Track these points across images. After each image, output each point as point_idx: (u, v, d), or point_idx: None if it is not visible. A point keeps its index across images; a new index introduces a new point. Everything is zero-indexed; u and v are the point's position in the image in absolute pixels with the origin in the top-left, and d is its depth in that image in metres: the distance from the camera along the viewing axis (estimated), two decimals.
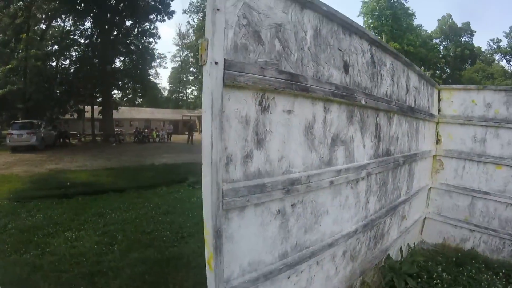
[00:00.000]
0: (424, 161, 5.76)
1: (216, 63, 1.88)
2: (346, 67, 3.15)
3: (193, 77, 68.77)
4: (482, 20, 75.06)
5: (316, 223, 2.91)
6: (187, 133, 32.94)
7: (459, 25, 46.27)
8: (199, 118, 46.27)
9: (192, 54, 63.60)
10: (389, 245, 4.70)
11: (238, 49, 2.06)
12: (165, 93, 72.00)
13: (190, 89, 72.08)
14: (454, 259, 5.39)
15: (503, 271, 5.09)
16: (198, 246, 5.52)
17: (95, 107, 32.74)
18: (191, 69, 67.99)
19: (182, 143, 30.60)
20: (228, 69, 1.95)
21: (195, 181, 10.84)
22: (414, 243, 5.82)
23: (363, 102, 3.35)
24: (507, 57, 45.54)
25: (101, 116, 32.29)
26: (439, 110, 6.14)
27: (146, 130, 34.05)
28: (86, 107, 32.81)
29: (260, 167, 2.29)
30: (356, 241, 3.69)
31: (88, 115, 32.73)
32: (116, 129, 33.04)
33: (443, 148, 6.12)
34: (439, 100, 6.15)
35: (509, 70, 44.05)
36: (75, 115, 32.09)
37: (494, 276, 4.94)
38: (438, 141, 6.17)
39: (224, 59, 1.93)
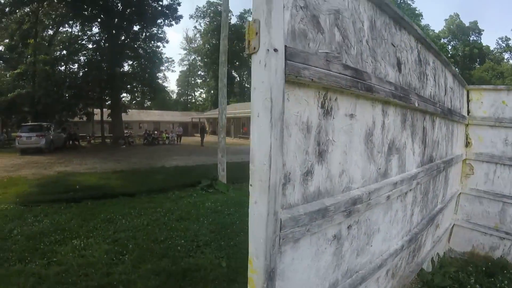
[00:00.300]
0: (456, 166, 5.23)
1: (275, 50, 1.35)
2: (399, 65, 2.64)
3: (201, 80, 68.38)
4: (490, 19, 72.64)
5: (367, 243, 2.42)
6: (199, 135, 32.15)
7: (467, 24, 44.73)
8: (208, 120, 45.55)
9: (199, 58, 63.29)
10: (424, 257, 4.22)
11: (296, 36, 1.54)
12: (174, 96, 71.64)
13: (199, 92, 71.70)
14: (483, 268, 4.90)
15: None
16: (216, 256, 5.05)
17: (104, 110, 32.24)
18: (199, 72, 67.60)
19: (192, 145, 29.79)
20: (290, 59, 1.43)
21: (208, 184, 10.21)
22: (443, 252, 5.31)
23: (416, 104, 2.84)
24: None
25: (110, 119, 31.79)
26: (468, 112, 5.58)
27: (156, 132, 33.51)
28: (95, 110, 32.34)
29: (321, 186, 1.78)
30: (399, 257, 3.20)
31: (97, 117, 32.27)
32: (125, 132, 32.59)
33: (473, 151, 5.56)
34: (468, 101, 5.60)
35: None
36: (84, 118, 31.65)
37: None
38: (467, 144, 5.62)
39: (285, 46, 1.41)
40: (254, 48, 1.39)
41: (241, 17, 58.57)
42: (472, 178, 5.61)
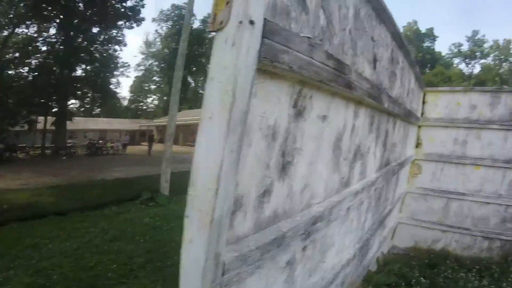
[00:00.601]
0: (406, 167, 5.15)
1: (251, 22, 0.90)
2: (375, 62, 2.29)
3: (155, 86, 62.68)
4: (447, 26, 76.06)
5: (321, 261, 2.04)
6: (146, 143, 29.64)
7: (424, 30, 45.27)
8: (157, 128, 41.89)
9: (157, 63, 59.36)
10: (371, 259, 4.03)
11: (277, 12, 1.10)
12: (125, 103, 64.39)
13: (151, 98, 65.17)
14: (426, 261, 5.00)
15: (476, 267, 4.83)
16: (151, 280, 4.39)
17: (49, 117, 29.19)
18: (154, 78, 62.96)
19: (138, 154, 27.17)
20: (269, 37, 0.98)
21: (149, 197, 9.07)
22: (387, 250, 5.24)
23: (386, 106, 2.50)
24: (467, 60, 46.05)
25: (54, 127, 28.94)
26: (422, 113, 5.54)
27: (101, 141, 30.98)
28: (40, 117, 29.20)
29: (279, 207, 1.34)
30: (351, 266, 2.89)
31: (41, 126, 29.16)
32: (68, 141, 29.73)
33: (423, 152, 5.54)
34: (423, 102, 5.55)
35: (466, 73, 44.27)
36: (26, 126, 28.44)
37: (469, 274, 4.63)
38: (418, 145, 5.58)
39: (265, 19, 0.97)
40: (221, 22, 0.93)
41: (204, 21, 56.72)
42: (419, 178, 5.59)
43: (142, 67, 62.31)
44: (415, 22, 44.59)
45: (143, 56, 61.48)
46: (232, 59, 0.90)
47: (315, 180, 1.62)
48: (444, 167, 5.44)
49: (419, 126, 5.52)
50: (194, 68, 56.44)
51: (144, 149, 29.01)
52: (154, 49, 59.35)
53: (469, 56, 45.02)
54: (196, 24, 53.37)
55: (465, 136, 5.29)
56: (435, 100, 5.50)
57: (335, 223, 2.07)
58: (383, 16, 2.31)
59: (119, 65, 40.40)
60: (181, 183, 10.20)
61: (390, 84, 2.86)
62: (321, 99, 1.48)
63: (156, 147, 27.89)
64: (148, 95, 65.15)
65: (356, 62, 1.88)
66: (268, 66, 1.01)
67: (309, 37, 1.25)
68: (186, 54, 10.13)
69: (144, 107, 65.96)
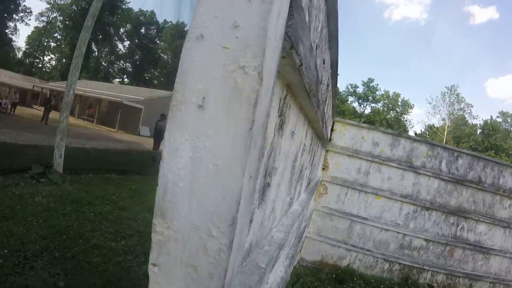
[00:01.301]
0: (317, 187, 5.28)
1: None
2: (321, 84, 2.18)
3: (55, 44, 51.89)
4: (348, 67, 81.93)
5: None
6: (38, 107, 22.72)
7: None
8: (52, 92, 32.79)
9: (61, 18, 48.70)
10: (290, 272, 3.99)
11: None
12: (19, 55, 51.80)
13: (49, 57, 54.08)
14: (334, 276, 5.21)
15: (381, 286, 5.18)
16: (50, 273, 3.53)
17: None
18: (56, 35, 51.30)
19: (28, 118, 20.64)
20: (295, 10, 0.63)
21: (41, 172, 7.25)
22: (297, 262, 5.36)
23: (323, 129, 2.43)
24: (360, 100, 52.31)
25: None
26: (329, 139, 5.79)
27: None
28: None
29: (253, 237, 1.04)
30: (283, 282, 2.81)
31: None
32: None
33: (329, 174, 5.80)
34: (332, 130, 5.81)
35: (358, 111, 51.19)
36: None
37: None
38: (324, 168, 5.82)
39: None
40: None
41: None
42: (325, 197, 5.83)
43: (44, 18, 50.23)
44: None
45: (48, 5, 49.32)
46: (254, 15, 0.48)
47: (278, 203, 1.40)
48: (348, 191, 5.79)
49: (327, 150, 5.78)
50: (100, 36, 49.68)
51: (35, 114, 22.96)
52: (62, 2, 48.88)
53: (362, 98, 51.26)
54: None
55: (368, 167, 5.71)
56: (342, 130, 5.84)
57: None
58: (332, 43, 2.25)
59: (20, 8, 32.80)
60: (75, 161, 8.56)
61: (323, 107, 2.86)
62: (294, 112, 1.25)
63: (54, 114, 21.96)
64: (47, 53, 53.32)
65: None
66: (288, 51, 0.67)
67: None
68: (97, 17, 8.53)
69: (40, 65, 54.02)
